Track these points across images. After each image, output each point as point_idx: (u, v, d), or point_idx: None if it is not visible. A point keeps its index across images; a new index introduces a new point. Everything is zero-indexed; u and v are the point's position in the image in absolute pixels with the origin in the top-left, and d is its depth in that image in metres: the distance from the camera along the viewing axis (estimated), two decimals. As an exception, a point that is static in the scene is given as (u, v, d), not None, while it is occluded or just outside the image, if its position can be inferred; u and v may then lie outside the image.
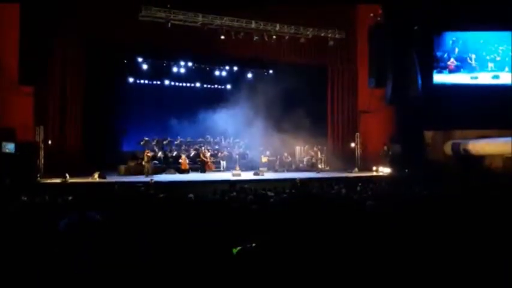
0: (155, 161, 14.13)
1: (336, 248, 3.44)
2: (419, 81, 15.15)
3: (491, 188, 7.83)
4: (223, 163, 15.04)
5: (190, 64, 16.14)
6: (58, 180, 11.09)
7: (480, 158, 14.47)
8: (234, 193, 7.11)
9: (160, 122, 15.88)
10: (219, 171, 14.91)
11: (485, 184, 9.24)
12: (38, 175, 11.58)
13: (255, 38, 14.48)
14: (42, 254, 3.25)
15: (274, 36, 14.73)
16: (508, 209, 5.07)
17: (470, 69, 16.16)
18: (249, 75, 17.05)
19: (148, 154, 13.45)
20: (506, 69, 15.89)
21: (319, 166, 15.44)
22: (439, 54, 16.13)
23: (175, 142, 15.63)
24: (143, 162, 13.25)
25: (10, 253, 3.28)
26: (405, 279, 3.00)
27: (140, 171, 13.23)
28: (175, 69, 16.06)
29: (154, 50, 14.46)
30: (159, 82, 16.50)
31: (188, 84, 17.00)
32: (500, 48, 16.08)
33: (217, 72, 16.82)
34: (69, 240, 3.41)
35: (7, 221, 4.48)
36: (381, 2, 15.13)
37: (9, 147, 10.76)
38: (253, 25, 14.44)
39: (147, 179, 11.45)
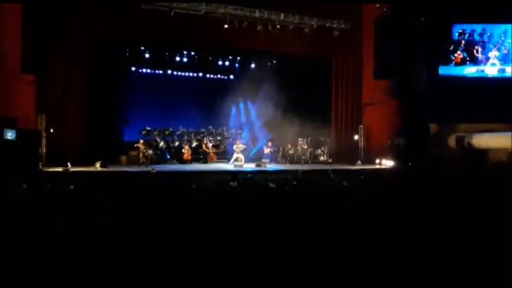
0: (156, 151, 14.13)
1: (335, 242, 3.40)
2: (425, 74, 15.00)
3: (494, 182, 7.75)
4: (238, 156, 14.09)
5: (192, 54, 16.00)
6: (60, 169, 11.08)
7: (484, 152, 14.37)
8: (236, 184, 7.07)
9: (162, 111, 15.81)
10: (222, 161, 14.89)
11: (488, 178, 9.16)
12: (40, 163, 11.57)
13: (259, 27, 14.32)
14: (42, 244, 3.22)
15: (278, 26, 14.56)
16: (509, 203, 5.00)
17: (477, 62, 15.97)
18: (252, 66, 16.89)
19: (140, 145, 13.20)
20: (512, 62, 15.71)
21: (304, 158, 15.10)
22: (445, 46, 15.93)
23: (177, 132, 15.57)
24: (140, 154, 13.13)
25: (9, 243, 3.25)
26: (406, 275, 2.95)
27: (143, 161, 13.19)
28: (177, 59, 15.93)
29: (157, 39, 14.30)
30: (161, 72, 16.38)
31: (191, 74, 16.88)
32: (508, 41, 15.86)
33: (220, 62, 16.67)
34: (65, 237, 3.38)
35: (6, 209, 4.45)
36: (386, 1, 14.92)
37: (11, 134, 10.72)
38: (257, 14, 14.26)
39: (149, 168, 11.43)
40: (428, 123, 15.45)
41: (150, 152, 13.56)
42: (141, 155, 13.13)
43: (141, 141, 13.44)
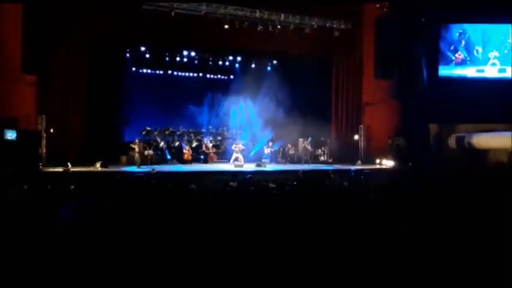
0: (157, 151, 14.12)
1: (336, 242, 3.40)
2: (425, 74, 14.99)
3: (494, 182, 7.75)
4: (237, 155, 14.02)
5: (193, 54, 16.01)
6: (60, 169, 11.08)
7: (484, 152, 14.37)
8: (236, 184, 7.06)
9: (162, 112, 15.81)
10: (223, 162, 14.89)
11: (488, 178, 9.15)
12: (40, 164, 11.58)
13: (259, 27, 14.32)
14: (42, 244, 3.22)
15: (278, 26, 14.55)
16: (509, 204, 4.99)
17: (477, 63, 15.96)
18: (253, 66, 16.89)
19: (135, 145, 13.08)
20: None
21: (304, 158, 15.15)
22: (445, 46, 15.94)
23: (178, 132, 15.57)
24: (136, 154, 13.02)
25: (9, 243, 3.25)
26: (407, 276, 2.95)
27: (142, 161, 13.17)
28: (178, 59, 15.93)
29: (157, 40, 14.32)
30: (161, 72, 16.39)
31: (191, 74, 16.88)
32: (508, 41, 15.86)
33: (220, 62, 16.67)
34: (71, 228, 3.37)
35: (7, 210, 4.45)
36: (387, 1, 14.92)
37: (11, 134, 10.72)
38: (257, 14, 14.27)
39: (149, 169, 11.42)
40: (429, 123, 15.45)
41: (151, 152, 13.53)
42: (136, 155, 13.03)
43: (136, 140, 13.30)
